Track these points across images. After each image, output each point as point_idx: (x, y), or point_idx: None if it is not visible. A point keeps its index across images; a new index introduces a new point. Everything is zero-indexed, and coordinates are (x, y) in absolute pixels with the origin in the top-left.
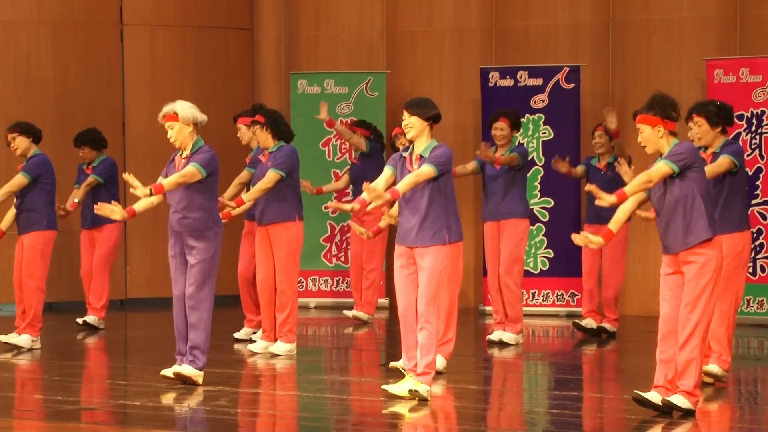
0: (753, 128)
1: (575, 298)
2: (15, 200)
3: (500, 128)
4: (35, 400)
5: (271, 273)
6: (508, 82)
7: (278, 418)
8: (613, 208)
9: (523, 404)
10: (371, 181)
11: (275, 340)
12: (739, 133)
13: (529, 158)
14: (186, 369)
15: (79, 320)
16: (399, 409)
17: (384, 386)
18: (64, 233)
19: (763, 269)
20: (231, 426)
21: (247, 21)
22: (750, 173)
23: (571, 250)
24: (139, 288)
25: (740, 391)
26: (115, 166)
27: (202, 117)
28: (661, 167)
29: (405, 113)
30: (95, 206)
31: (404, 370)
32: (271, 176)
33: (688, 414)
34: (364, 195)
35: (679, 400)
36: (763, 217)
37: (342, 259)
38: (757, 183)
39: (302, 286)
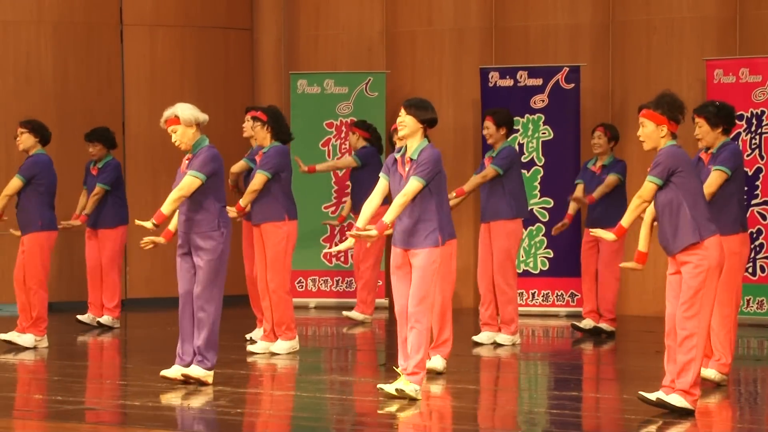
0: (753, 128)
1: (575, 298)
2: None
3: (486, 127)
4: (35, 400)
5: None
6: (508, 82)
7: (277, 418)
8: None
9: (523, 404)
10: (368, 186)
11: (276, 340)
12: (739, 133)
13: (528, 158)
14: (195, 370)
15: (81, 317)
16: (396, 409)
17: (380, 385)
18: (64, 233)
19: (763, 269)
20: (231, 426)
21: (247, 21)
22: (750, 173)
23: (570, 250)
24: (139, 288)
25: (740, 391)
26: (119, 168)
27: (203, 117)
28: (647, 186)
29: (402, 110)
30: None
31: (398, 369)
32: (258, 178)
33: (686, 413)
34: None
35: (675, 399)
36: (763, 217)
37: (342, 259)
38: (757, 183)
39: (302, 286)
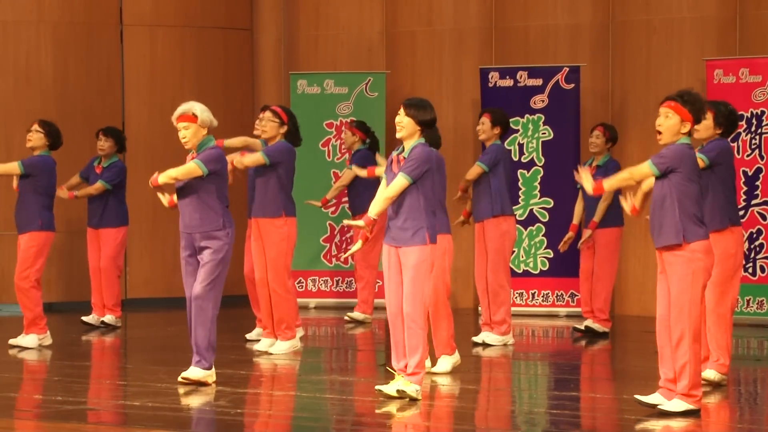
0: (753, 128)
1: (575, 299)
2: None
3: (481, 122)
4: (35, 400)
5: (266, 271)
6: (508, 83)
7: (277, 419)
8: (614, 216)
9: (522, 404)
10: (365, 188)
11: (276, 337)
12: (739, 133)
13: (528, 159)
14: (194, 373)
15: (85, 319)
16: (395, 409)
17: (378, 387)
18: (64, 233)
19: (763, 269)
20: (230, 426)
21: (246, 21)
22: (750, 173)
23: (570, 250)
24: (139, 288)
25: (740, 391)
26: (124, 171)
27: (215, 122)
28: (644, 167)
29: (401, 110)
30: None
31: (394, 370)
32: (255, 158)
33: (690, 413)
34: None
35: (676, 405)
36: (763, 217)
37: (342, 259)
38: (757, 183)
39: (302, 286)
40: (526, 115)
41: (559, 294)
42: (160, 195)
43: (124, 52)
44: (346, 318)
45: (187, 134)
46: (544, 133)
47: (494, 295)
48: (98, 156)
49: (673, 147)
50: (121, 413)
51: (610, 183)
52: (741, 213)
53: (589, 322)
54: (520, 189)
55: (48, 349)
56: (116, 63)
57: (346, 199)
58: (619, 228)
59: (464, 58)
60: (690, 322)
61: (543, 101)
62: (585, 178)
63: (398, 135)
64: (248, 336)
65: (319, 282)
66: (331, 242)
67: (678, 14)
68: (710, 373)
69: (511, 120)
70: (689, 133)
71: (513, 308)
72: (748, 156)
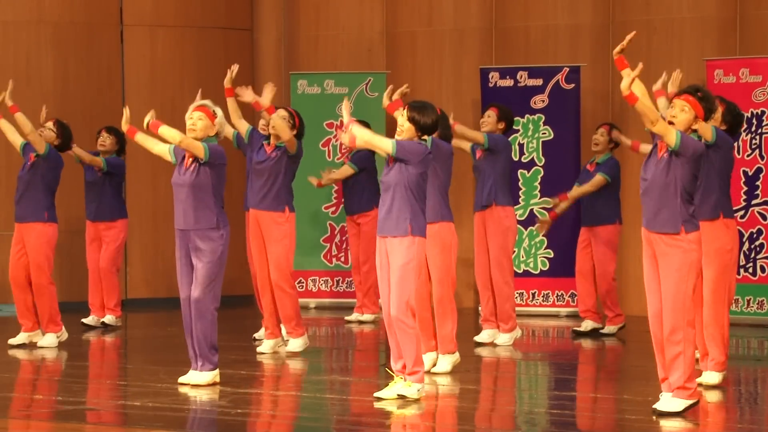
0: (753, 128)
1: (575, 299)
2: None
3: (487, 115)
4: (35, 401)
5: (267, 269)
6: (508, 83)
7: (278, 419)
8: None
9: (523, 404)
10: (362, 189)
11: (279, 336)
12: (740, 133)
13: (528, 159)
14: (201, 378)
15: (86, 321)
16: (394, 409)
17: (377, 394)
18: (64, 233)
19: (763, 269)
20: (231, 426)
21: (247, 21)
22: (750, 173)
23: (570, 250)
24: (139, 288)
25: (740, 391)
26: (124, 167)
27: (223, 135)
28: (671, 130)
29: (405, 112)
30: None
31: (392, 372)
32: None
33: (689, 407)
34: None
35: (674, 405)
36: (764, 217)
37: (342, 259)
38: (757, 183)
39: (302, 286)
40: (527, 115)
41: (560, 294)
42: (143, 138)
43: (125, 53)
44: (356, 320)
45: (198, 123)
46: (545, 133)
47: (499, 291)
48: (97, 152)
49: (696, 141)
50: (122, 413)
51: (642, 104)
52: (741, 213)
53: (587, 323)
54: (521, 189)
55: (48, 349)
56: (116, 63)
57: (332, 209)
58: (617, 225)
59: (464, 58)
60: (684, 313)
61: (543, 101)
62: (627, 77)
63: (397, 137)
64: (256, 335)
65: (319, 282)
66: (331, 242)
67: (678, 14)
68: (709, 377)
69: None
70: (695, 131)
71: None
72: (748, 156)
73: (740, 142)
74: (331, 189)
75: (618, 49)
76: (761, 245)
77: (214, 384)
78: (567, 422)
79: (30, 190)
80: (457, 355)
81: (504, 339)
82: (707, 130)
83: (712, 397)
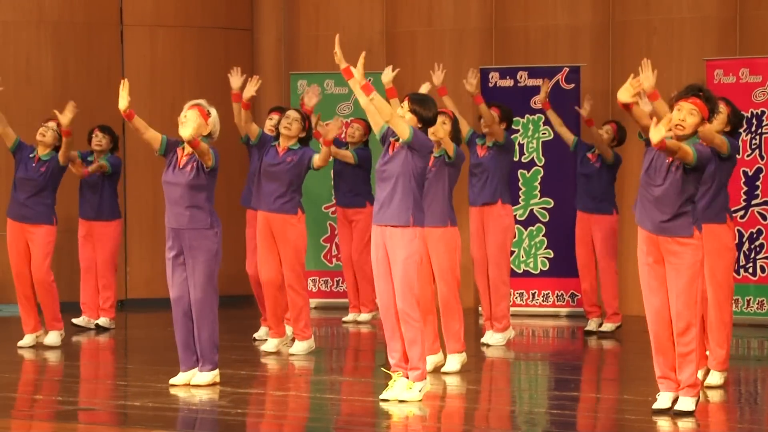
0: (753, 129)
1: (575, 299)
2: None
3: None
4: (35, 401)
5: (277, 270)
6: (508, 83)
7: (278, 419)
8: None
9: (523, 404)
10: (353, 184)
11: (283, 335)
12: (740, 134)
13: (528, 159)
14: (203, 378)
15: (76, 321)
16: (394, 409)
17: (381, 396)
18: (60, 233)
19: (763, 269)
20: (231, 426)
21: (247, 21)
22: (750, 173)
23: (571, 250)
24: (140, 288)
25: (740, 391)
26: (121, 164)
27: (215, 137)
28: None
29: (406, 103)
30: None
31: (389, 371)
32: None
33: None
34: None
35: (686, 404)
36: (764, 217)
37: (342, 259)
38: (757, 183)
39: None
40: (527, 115)
41: (560, 294)
42: (138, 121)
43: (125, 53)
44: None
45: (190, 117)
46: (545, 133)
47: (496, 290)
48: (91, 152)
49: (707, 150)
50: (122, 413)
51: (673, 142)
52: (741, 213)
53: (593, 322)
54: (520, 189)
55: (48, 349)
56: (116, 63)
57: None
58: (614, 216)
59: (464, 59)
60: (696, 310)
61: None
62: (646, 72)
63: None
64: (256, 335)
65: (319, 282)
66: (331, 242)
67: (678, 14)
68: (712, 377)
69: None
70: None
71: (513, 308)
72: (748, 156)
73: (740, 142)
74: (330, 189)
75: (648, 86)
76: (761, 245)
77: (214, 384)
78: (567, 422)
79: (42, 192)
80: (464, 354)
81: (497, 338)
82: (723, 144)
83: (713, 397)
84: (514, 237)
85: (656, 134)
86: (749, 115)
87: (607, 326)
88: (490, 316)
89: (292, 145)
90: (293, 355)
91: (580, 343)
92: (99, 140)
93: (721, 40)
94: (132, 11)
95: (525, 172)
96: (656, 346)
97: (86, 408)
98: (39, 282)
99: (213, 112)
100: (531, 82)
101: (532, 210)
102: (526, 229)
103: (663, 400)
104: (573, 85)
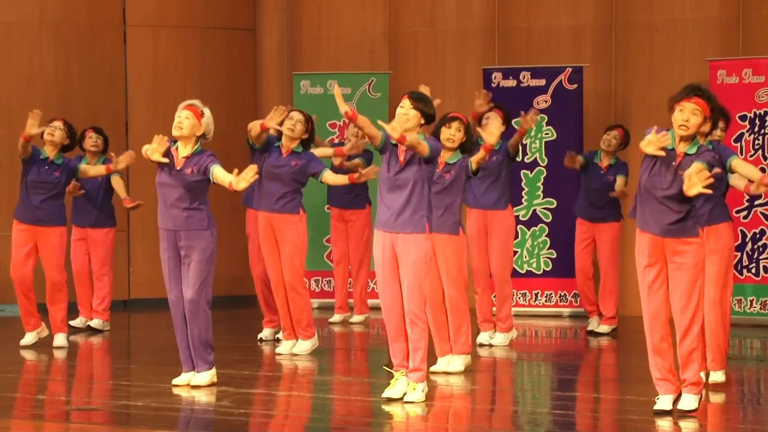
0: (756, 129)
1: (578, 299)
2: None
3: (489, 117)
4: (37, 401)
5: (281, 270)
6: (511, 83)
7: (279, 419)
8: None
9: (525, 405)
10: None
11: (296, 338)
12: (742, 134)
13: (531, 159)
14: (199, 379)
15: (72, 323)
16: (395, 409)
17: (384, 395)
18: None
19: (765, 270)
20: (233, 426)
21: (249, 22)
22: None
23: (573, 251)
24: (142, 289)
25: (742, 391)
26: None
27: (211, 136)
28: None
29: (407, 101)
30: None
31: (392, 370)
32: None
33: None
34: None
35: (689, 402)
36: (766, 217)
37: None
38: None
39: None
40: None
41: (562, 294)
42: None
43: (127, 53)
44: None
45: (185, 122)
46: (547, 134)
47: (500, 289)
48: (83, 156)
49: (715, 158)
50: (124, 413)
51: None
52: (744, 213)
53: (594, 321)
54: (523, 189)
55: (48, 349)
56: (119, 64)
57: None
58: (619, 222)
59: (467, 59)
60: (699, 308)
61: (546, 102)
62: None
63: (403, 125)
64: (262, 336)
65: (322, 282)
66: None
67: (681, 15)
68: (714, 376)
69: (513, 120)
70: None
71: (516, 309)
72: (751, 156)
73: (743, 143)
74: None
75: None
76: (764, 246)
77: (212, 384)
78: (569, 423)
79: (56, 195)
80: (470, 356)
81: (501, 339)
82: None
83: (715, 397)
84: (517, 237)
85: (693, 190)
86: (752, 115)
87: (603, 327)
88: (489, 317)
89: (295, 147)
90: (296, 355)
91: (582, 344)
92: (95, 141)
93: (724, 40)
94: (135, 11)
95: (528, 172)
96: (653, 349)
97: (89, 408)
98: (53, 283)
99: (207, 112)
100: (534, 83)
101: (534, 210)
102: (529, 230)
103: (663, 402)
104: (576, 86)
